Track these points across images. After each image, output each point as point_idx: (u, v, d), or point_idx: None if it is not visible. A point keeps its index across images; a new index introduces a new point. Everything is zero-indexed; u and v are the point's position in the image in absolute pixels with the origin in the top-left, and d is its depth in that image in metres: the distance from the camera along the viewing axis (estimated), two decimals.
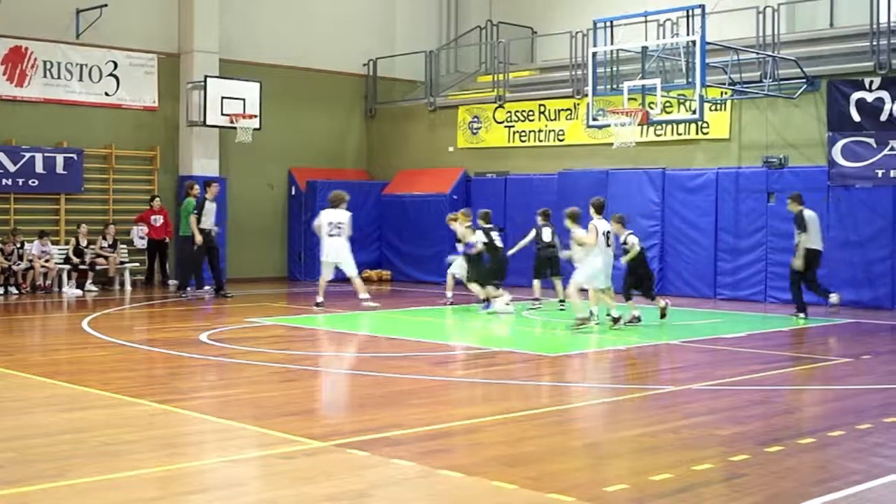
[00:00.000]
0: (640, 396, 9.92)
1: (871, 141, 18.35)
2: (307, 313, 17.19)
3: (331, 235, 17.50)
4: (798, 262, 16.71)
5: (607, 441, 8.00)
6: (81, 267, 20.98)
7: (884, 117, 18.28)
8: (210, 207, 19.68)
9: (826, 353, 12.87)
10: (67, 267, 20.90)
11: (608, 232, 15.01)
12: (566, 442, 8.00)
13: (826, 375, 11.23)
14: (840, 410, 9.09)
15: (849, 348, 13.32)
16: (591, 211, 15.20)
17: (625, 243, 15.21)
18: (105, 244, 21.45)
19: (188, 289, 20.02)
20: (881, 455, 7.39)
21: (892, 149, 18.11)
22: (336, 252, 17.56)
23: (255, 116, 23.23)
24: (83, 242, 21.07)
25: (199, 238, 19.41)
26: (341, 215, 17.62)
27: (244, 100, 23.11)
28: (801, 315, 16.66)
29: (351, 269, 17.72)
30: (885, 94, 18.29)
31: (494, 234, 17.70)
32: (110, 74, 22.51)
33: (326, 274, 17.77)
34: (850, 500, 6.26)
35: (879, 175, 18.26)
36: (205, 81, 22.60)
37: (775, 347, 13.82)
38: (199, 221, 19.49)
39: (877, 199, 18.34)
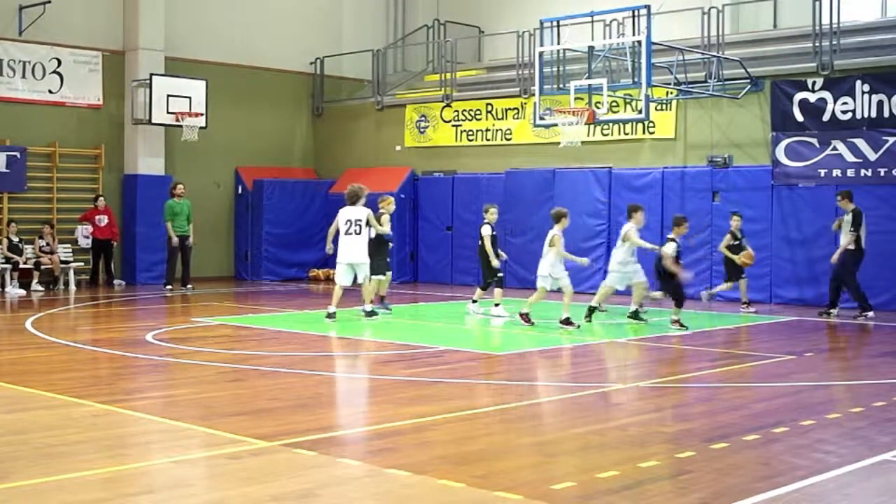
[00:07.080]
0: (587, 394, 9.97)
1: (814, 141, 18.58)
2: (256, 312, 17.09)
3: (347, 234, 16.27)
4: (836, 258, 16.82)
5: (554, 439, 8.03)
6: (22, 266, 20.70)
7: (826, 118, 18.53)
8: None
9: (770, 350, 13.00)
10: (9, 267, 20.62)
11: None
12: (513, 440, 8.03)
13: (770, 373, 11.35)
14: (784, 407, 9.20)
15: (792, 346, 13.47)
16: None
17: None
18: (42, 243, 21.18)
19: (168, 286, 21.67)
20: (824, 451, 7.49)
21: (834, 149, 18.36)
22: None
23: (201, 115, 23.08)
24: (14, 239, 20.78)
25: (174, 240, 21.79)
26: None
27: (190, 98, 22.94)
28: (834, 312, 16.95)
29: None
30: (827, 95, 18.53)
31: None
32: (54, 72, 22.24)
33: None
34: (794, 495, 6.34)
35: (822, 175, 18.50)
36: (150, 79, 22.40)
37: (720, 345, 13.96)
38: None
39: (819, 198, 18.56)
